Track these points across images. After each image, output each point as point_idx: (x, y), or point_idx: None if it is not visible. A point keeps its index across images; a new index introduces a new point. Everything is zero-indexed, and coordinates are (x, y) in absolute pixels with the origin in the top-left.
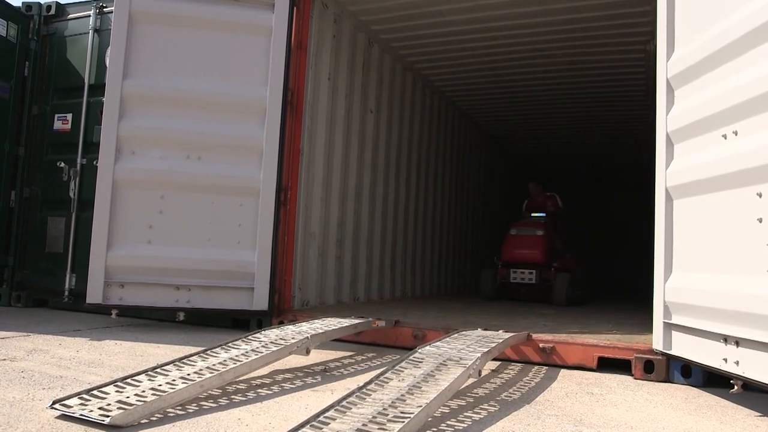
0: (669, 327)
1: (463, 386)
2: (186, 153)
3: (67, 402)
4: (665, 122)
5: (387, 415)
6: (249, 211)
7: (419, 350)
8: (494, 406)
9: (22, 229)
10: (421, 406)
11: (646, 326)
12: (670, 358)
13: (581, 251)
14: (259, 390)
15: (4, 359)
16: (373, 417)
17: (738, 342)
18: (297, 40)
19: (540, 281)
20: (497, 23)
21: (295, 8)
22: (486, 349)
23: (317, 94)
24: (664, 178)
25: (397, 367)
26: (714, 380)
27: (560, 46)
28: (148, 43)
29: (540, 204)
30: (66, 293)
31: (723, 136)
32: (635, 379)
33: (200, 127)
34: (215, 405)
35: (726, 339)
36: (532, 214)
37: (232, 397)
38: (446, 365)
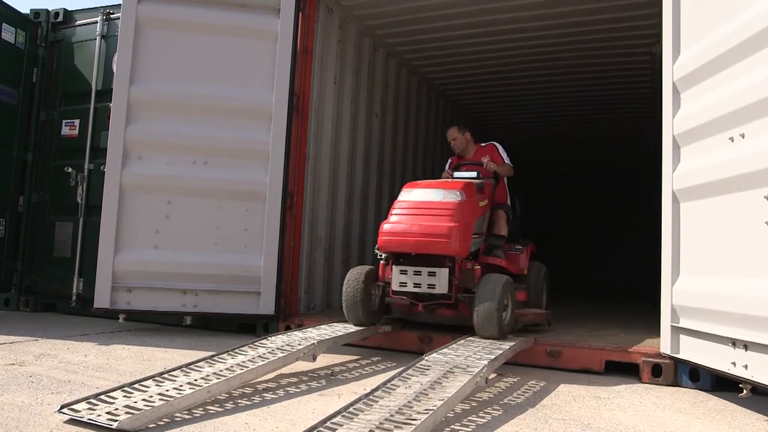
0: (677, 330)
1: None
2: (192, 158)
3: (75, 406)
4: (671, 125)
5: (394, 421)
6: (255, 216)
7: (426, 357)
8: (500, 411)
9: (30, 234)
10: (427, 413)
11: (654, 329)
12: (678, 362)
13: (543, 243)
14: (265, 394)
15: (13, 364)
16: (380, 423)
17: (746, 345)
18: (302, 44)
19: (451, 290)
20: (502, 27)
21: (300, 13)
22: (493, 357)
23: (323, 99)
24: (671, 180)
25: (404, 374)
26: (722, 384)
27: (566, 49)
28: (154, 48)
29: (475, 162)
30: (74, 298)
31: (730, 138)
32: (643, 382)
33: (207, 131)
34: (222, 409)
35: (734, 342)
36: (455, 174)
37: (239, 401)
38: (453, 372)
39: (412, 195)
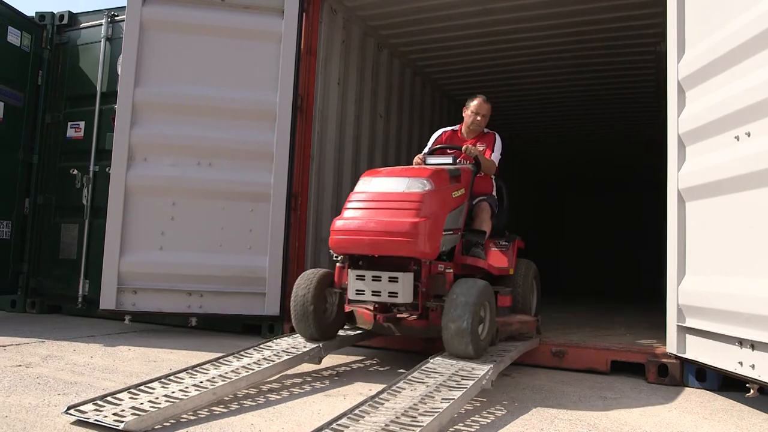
0: (683, 330)
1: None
2: (197, 159)
3: (81, 408)
4: (676, 124)
5: (400, 423)
6: (260, 217)
7: (431, 360)
8: (504, 411)
9: (36, 236)
10: (432, 415)
11: (660, 329)
12: (685, 362)
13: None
14: (270, 395)
15: (20, 365)
16: (386, 425)
17: (753, 345)
18: (306, 45)
19: (417, 297)
20: (506, 26)
21: (304, 14)
22: (498, 360)
23: (327, 100)
24: (676, 180)
25: (409, 377)
26: (729, 384)
27: (570, 48)
28: (159, 50)
29: (454, 147)
30: (79, 299)
31: (735, 137)
32: (649, 382)
33: (211, 133)
34: (227, 410)
35: (741, 342)
36: (429, 160)
37: (243, 402)
38: (458, 375)
39: (371, 185)
